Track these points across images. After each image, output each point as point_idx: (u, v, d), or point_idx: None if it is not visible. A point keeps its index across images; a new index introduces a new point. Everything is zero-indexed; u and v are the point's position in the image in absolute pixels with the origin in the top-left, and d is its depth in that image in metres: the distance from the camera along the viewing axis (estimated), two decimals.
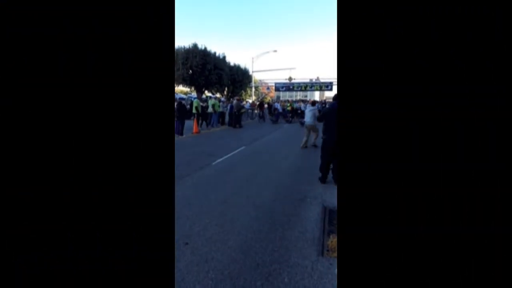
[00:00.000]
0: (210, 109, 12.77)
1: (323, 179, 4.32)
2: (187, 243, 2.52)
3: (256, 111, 18.82)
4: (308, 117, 7.61)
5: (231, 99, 17.23)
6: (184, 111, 10.10)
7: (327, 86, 27.47)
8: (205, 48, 21.84)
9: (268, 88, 33.21)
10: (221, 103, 14.31)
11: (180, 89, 38.71)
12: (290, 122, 16.50)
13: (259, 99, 30.18)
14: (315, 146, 7.60)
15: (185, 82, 22.41)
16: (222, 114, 13.78)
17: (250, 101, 24.67)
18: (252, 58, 25.95)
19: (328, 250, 2.41)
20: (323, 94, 55.83)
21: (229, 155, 6.63)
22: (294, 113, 18.44)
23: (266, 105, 20.51)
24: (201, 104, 12.15)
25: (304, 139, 7.73)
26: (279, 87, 29.08)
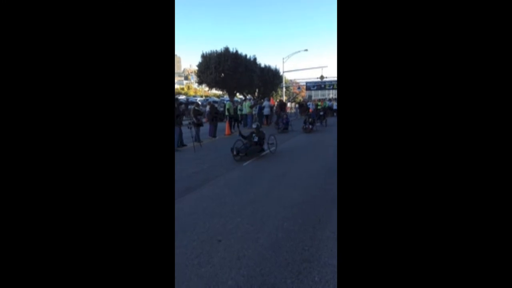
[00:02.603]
0: (245, 111, 13.07)
1: None
2: (220, 240, 2.64)
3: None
4: None
5: (261, 100, 17.15)
6: (216, 113, 10.39)
7: None
8: (236, 51, 22.25)
9: (299, 88, 32.85)
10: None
11: (213, 93, 39.75)
12: (311, 129, 11.41)
13: (290, 99, 29.96)
14: None
15: (218, 86, 22.99)
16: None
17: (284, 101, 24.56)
18: (283, 59, 25.95)
19: None
20: None
21: (259, 156, 6.71)
22: (323, 115, 14.73)
23: (295, 104, 19.46)
24: (232, 106, 12.42)
25: None
26: (310, 86, 28.64)
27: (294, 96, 34.76)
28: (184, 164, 5.90)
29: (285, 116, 12.55)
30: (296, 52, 25.72)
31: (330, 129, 12.67)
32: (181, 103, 8.46)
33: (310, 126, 11.54)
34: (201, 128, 8.82)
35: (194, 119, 8.55)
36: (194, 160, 6.29)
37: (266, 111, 14.08)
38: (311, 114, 13.39)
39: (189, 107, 9.01)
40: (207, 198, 3.90)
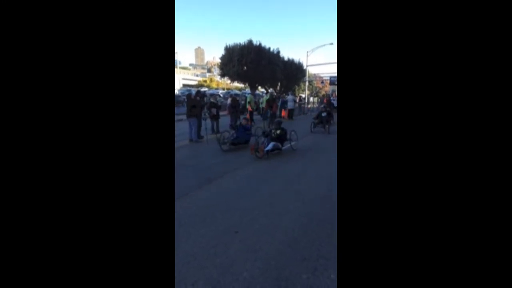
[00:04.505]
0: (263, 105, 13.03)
1: None
2: (237, 232, 2.66)
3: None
4: None
5: (284, 94, 16.96)
6: (237, 106, 10.42)
7: None
8: (260, 44, 22.04)
9: (322, 82, 32.14)
10: None
11: (235, 86, 39.89)
12: (264, 153, 5.74)
13: (313, 94, 29.42)
14: None
15: (240, 78, 23.01)
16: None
17: (303, 95, 24.22)
18: (307, 52, 25.37)
19: None
20: None
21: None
22: (325, 116, 9.24)
23: (318, 99, 18.30)
24: (254, 99, 12.39)
25: None
26: (334, 81, 27.89)
27: (317, 90, 34.12)
28: (202, 157, 5.99)
29: (244, 120, 7.48)
30: (321, 46, 25.08)
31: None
32: (199, 95, 8.55)
33: (267, 147, 5.73)
34: (222, 120, 8.88)
35: (208, 111, 8.62)
36: (209, 152, 6.37)
37: (290, 105, 14.03)
38: (274, 118, 7.32)
39: (206, 99, 9.00)
40: (226, 190, 3.93)
